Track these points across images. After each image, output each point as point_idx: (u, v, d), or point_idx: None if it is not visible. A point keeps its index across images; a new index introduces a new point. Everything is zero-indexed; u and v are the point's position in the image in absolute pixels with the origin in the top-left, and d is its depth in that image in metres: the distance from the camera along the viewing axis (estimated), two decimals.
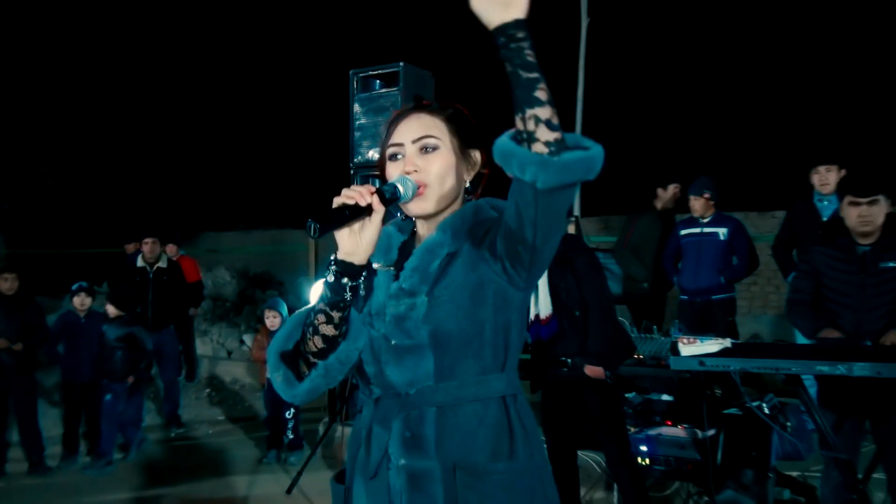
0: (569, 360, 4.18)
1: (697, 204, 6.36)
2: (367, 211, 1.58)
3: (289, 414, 6.31)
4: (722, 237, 6.32)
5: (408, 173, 1.71)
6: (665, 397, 4.99)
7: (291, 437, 6.31)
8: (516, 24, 1.39)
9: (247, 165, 16.11)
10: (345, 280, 1.61)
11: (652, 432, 4.81)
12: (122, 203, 14.84)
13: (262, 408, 7.55)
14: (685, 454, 4.64)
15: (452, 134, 1.75)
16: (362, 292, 1.66)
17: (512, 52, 1.39)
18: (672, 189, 7.00)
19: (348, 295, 1.62)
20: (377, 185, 1.63)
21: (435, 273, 1.69)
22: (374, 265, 1.79)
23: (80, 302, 6.48)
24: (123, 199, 14.97)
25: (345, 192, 1.57)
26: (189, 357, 9.45)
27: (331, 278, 1.61)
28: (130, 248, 9.51)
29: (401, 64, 5.50)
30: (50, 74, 14.03)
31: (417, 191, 1.70)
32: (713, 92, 15.71)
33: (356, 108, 5.71)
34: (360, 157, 5.65)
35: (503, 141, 1.45)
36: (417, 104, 1.80)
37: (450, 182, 1.74)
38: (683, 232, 6.47)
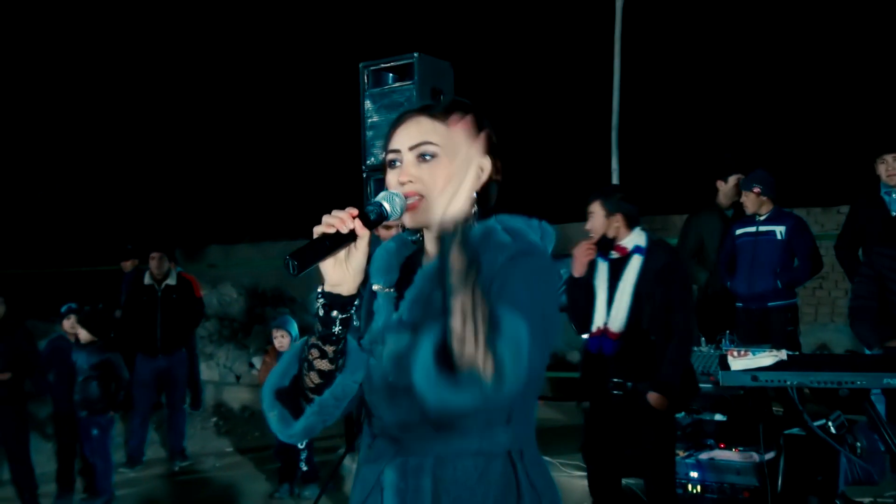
0: (629, 384, 4.12)
1: (748, 200, 6.33)
2: (351, 237, 1.60)
3: (301, 444, 6.35)
4: (779, 236, 6.27)
5: (403, 183, 1.72)
6: (717, 417, 4.97)
7: (305, 468, 6.35)
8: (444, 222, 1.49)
9: (251, 171, 16.26)
10: (334, 313, 1.63)
11: (703, 456, 4.80)
12: (116, 216, 15.05)
13: (273, 437, 7.62)
14: (741, 480, 4.62)
15: (456, 139, 1.75)
16: (356, 322, 1.68)
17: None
18: (733, 181, 6.88)
19: (338, 328, 1.64)
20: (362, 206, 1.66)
21: (439, 304, 1.66)
22: (374, 287, 1.80)
23: (71, 325, 6.57)
24: (118, 211, 15.18)
25: (325, 219, 1.59)
26: (193, 382, 9.54)
27: (320, 312, 1.63)
28: (127, 265, 9.64)
29: (415, 55, 5.53)
30: (35, 77, 14.31)
31: (408, 204, 1.70)
32: (768, 74, 15.60)
33: (367, 104, 5.75)
34: (373, 160, 5.68)
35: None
36: (420, 107, 1.81)
37: None
38: (738, 231, 6.43)
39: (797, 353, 4.67)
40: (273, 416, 1.75)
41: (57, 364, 6.55)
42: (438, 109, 1.78)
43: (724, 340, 5.03)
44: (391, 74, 5.75)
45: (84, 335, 6.39)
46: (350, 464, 6.04)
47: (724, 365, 3.52)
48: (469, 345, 1.38)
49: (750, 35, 15.78)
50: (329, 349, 1.66)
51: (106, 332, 6.54)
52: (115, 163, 15.09)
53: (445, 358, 1.41)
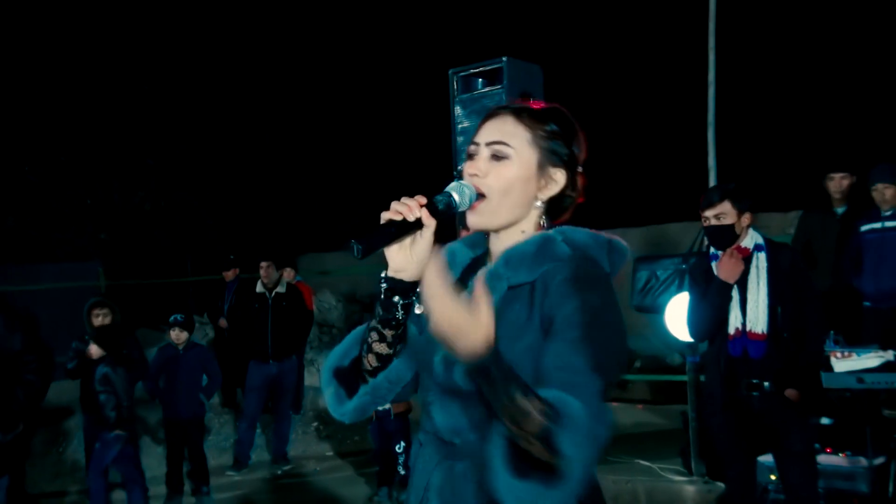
0: (765, 384, 3.95)
1: (875, 194, 6.13)
2: (417, 225, 1.63)
3: (399, 448, 6.42)
4: None
5: (471, 175, 1.74)
6: (824, 420, 4.81)
7: (403, 472, 6.41)
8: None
9: (344, 178, 16.54)
10: (396, 298, 1.67)
11: None
12: (218, 227, 15.51)
13: (372, 442, 7.72)
14: (850, 486, 4.46)
15: (534, 146, 1.74)
16: (417, 311, 1.69)
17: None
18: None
19: (400, 313, 1.68)
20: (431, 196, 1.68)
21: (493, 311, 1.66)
22: None
23: (176, 336, 6.82)
24: (219, 222, 15.64)
25: (393, 205, 1.63)
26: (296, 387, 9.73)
27: (382, 296, 1.68)
28: (229, 275, 9.92)
29: (504, 59, 5.53)
30: (138, 98, 14.89)
31: (476, 200, 1.71)
32: (870, 63, 14.98)
33: (457, 110, 5.78)
34: (464, 164, 5.70)
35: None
36: (513, 107, 1.79)
37: (513, 198, 1.73)
38: (864, 228, 6.21)
39: None
40: (329, 393, 1.84)
41: (166, 371, 6.80)
42: (527, 114, 1.76)
43: (828, 341, 4.86)
44: (480, 80, 5.77)
45: (95, 350, 6.15)
46: None
47: (828, 366, 3.41)
48: (534, 447, 1.43)
49: (847, 25, 15.19)
50: (388, 333, 1.71)
51: (116, 347, 6.21)
52: (214, 177, 15.57)
53: (517, 459, 1.46)
